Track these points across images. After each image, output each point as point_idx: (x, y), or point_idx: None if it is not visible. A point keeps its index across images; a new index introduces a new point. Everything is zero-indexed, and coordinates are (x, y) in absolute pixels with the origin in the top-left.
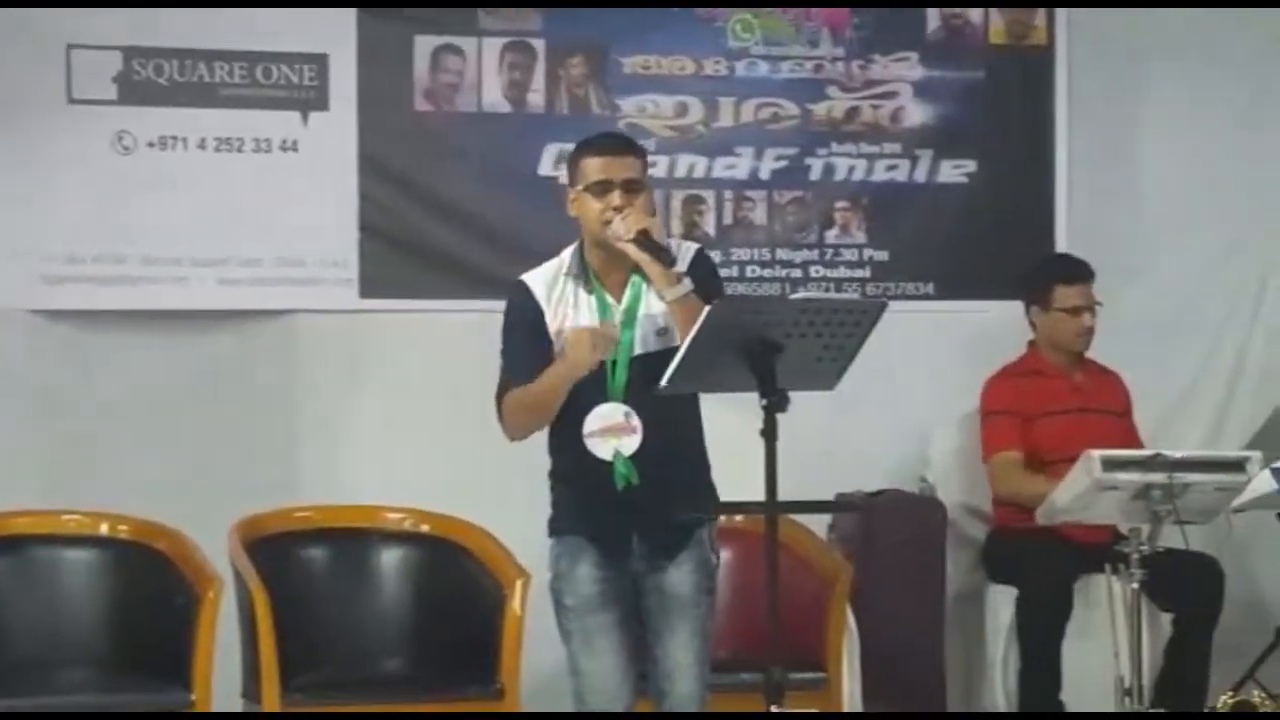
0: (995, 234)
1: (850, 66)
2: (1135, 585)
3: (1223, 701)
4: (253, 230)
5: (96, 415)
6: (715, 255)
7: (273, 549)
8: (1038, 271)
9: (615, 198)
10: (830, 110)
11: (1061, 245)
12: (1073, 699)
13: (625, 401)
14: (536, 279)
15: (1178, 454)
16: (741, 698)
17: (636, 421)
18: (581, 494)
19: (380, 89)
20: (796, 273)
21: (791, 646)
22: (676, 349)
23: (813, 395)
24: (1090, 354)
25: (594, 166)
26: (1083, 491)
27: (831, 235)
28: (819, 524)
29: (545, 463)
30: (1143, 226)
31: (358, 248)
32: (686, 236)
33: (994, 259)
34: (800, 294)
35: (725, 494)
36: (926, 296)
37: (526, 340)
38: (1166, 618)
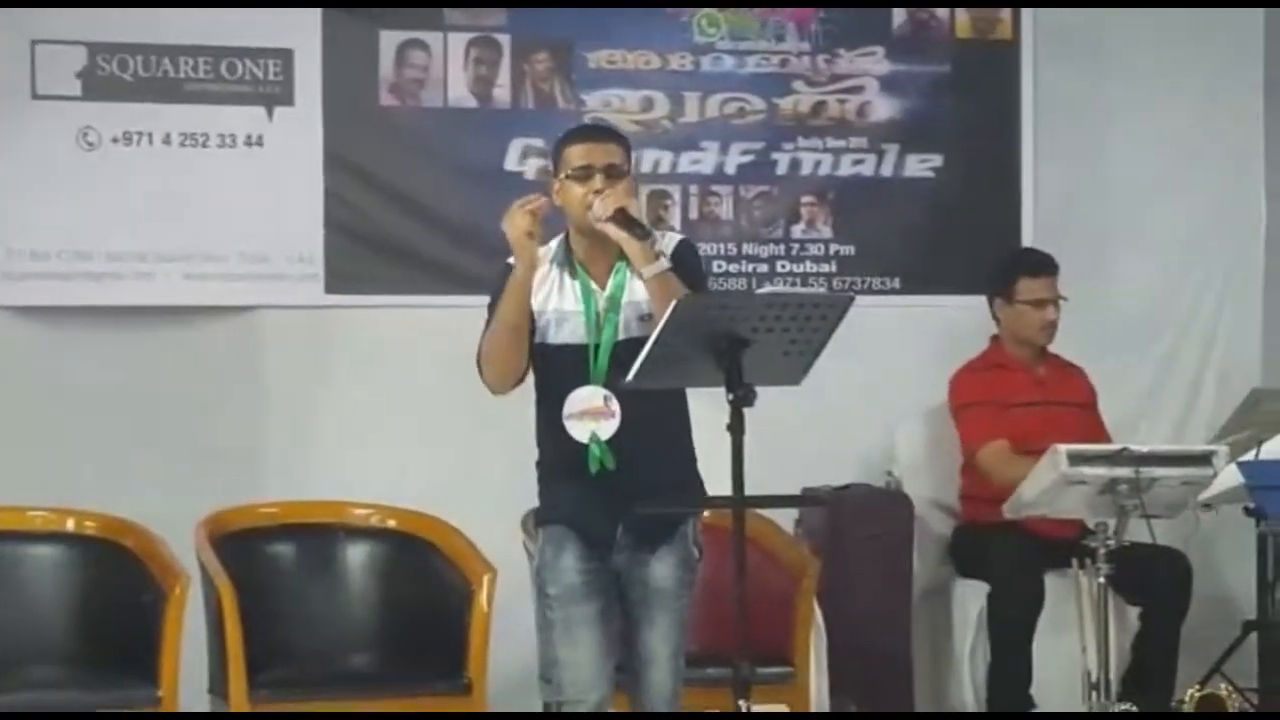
0: (961, 228)
1: (816, 61)
2: (1102, 579)
3: (1190, 695)
4: (218, 226)
5: (62, 411)
6: None
7: (239, 545)
8: (1002, 264)
9: (597, 182)
10: (796, 105)
11: (1027, 240)
12: (1039, 694)
13: (606, 386)
14: None
15: (1144, 448)
16: (708, 692)
17: (615, 406)
18: (562, 480)
19: (345, 84)
20: (763, 267)
21: (759, 641)
22: None
23: (779, 390)
24: (1055, 348)
25: (576, 153)
26: (1049, 485)
27: (798, 230)
28: (786, 518)
29: (512, 457)
30: (1108, 221)
31: (323, 243)
32: None
33: (960, 253)
34: (766, 289)
35: None
36: (893, 291)
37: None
38: (1134, 612)
